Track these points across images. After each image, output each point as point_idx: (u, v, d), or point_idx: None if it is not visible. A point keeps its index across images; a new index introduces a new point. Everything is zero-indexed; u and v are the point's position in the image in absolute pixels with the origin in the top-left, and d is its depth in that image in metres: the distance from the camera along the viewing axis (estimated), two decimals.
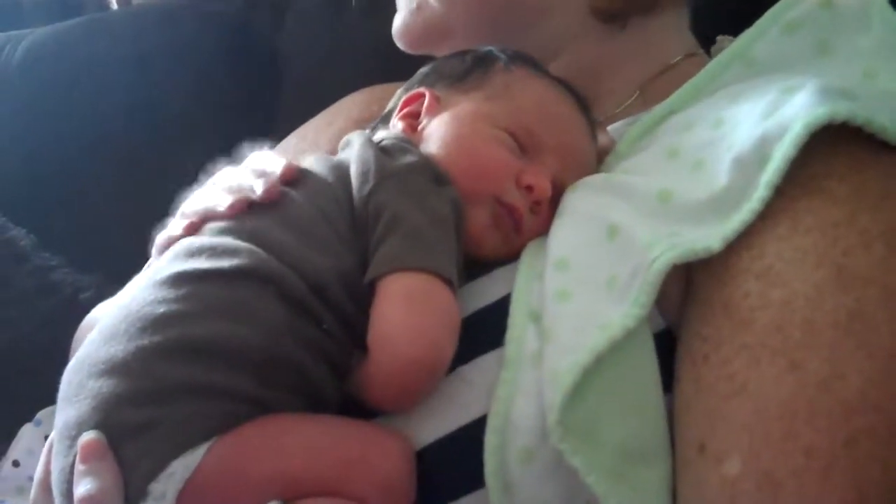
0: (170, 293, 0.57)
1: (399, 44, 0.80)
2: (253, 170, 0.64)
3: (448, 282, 0.57)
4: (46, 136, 1.39)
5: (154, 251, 0.65)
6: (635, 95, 0.74)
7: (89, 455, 0.52)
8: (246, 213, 0.61)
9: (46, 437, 0.97)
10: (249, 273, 0.56)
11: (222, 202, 0.61)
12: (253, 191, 0.61)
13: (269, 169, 0.63)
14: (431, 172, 0.62)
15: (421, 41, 0.79)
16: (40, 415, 1.01)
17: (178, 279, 0.57)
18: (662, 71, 0.75)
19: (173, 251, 0.60)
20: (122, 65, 1.41)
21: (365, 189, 0.60)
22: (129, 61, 1.41)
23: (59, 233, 1.30)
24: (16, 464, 0.98)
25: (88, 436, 0.53)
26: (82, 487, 0.52)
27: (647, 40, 0.76)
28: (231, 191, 0.62)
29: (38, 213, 1.34)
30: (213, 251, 0.58)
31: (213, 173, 0.69)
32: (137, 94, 1.38)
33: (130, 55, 1.41)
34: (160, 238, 0.64)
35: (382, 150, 0.64)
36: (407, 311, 0.56)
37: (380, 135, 0.68)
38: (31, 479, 0.96)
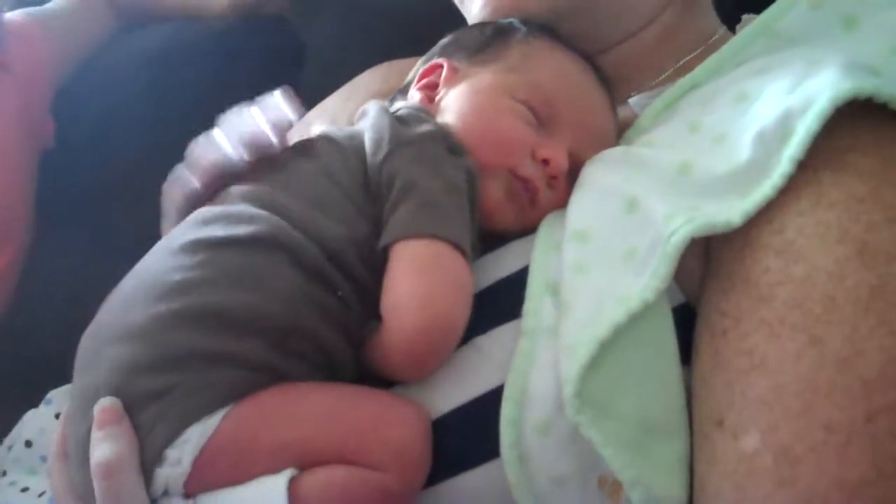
0: (186, 260, 0.57)
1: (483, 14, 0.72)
2: (266, 119, 0.64)
3: (461, 250, 0.57)
4: (69, 130, 1.38)
5: (167, 203, 0.65)
6: (671, 70, 0.73)
7: (105, 420, 0.53)
8: (261, 180, 0.61)
9: (57, 416, 0.97)
10: (265, 240, 0.56)
11: (238, 153, 0.62)
12: (270, 143, 0.62)
13: (281, 118, 0.64)
14: (446, 142, 0.62)
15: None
16: (51, 394, 1.01)
17: (195, 247, 0.57)
18: (699, 48, 0.74)
19: (190, 219, 0.60)
20: (138, 48, 1.41)
21: (379, 156, 0.60)
22: (147, 42, 1.41)
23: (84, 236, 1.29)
24: (28, 444, 0.98)
25: (105, 401, 0.53)
26: (98, 452, 0.52)
27: (695, 17, 0.76)
28: (245, 141, 0.62)
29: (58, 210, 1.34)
30: (229, 219, 0.58)
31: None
32: (153, 80, 1.37)
33: (149, 36, 1.41)
34: (173, 190, 0.64)
35: (398, 119, 0.63)
36: (418, 279, 0.56)
37: (396, 105, 0.68)
38: (43, 458, 0.97)
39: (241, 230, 0.57)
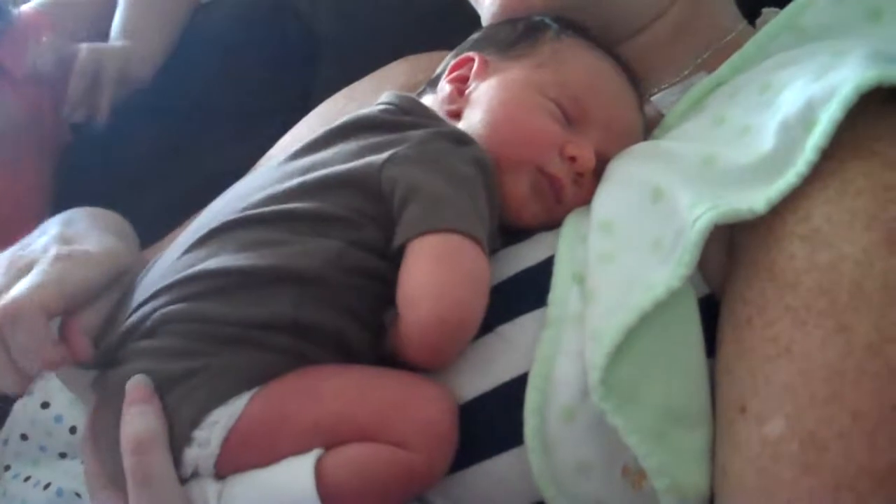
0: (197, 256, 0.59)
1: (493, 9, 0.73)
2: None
3: (474, 239, 0.57)
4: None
5: None
6: (692, 66, 0.73)
7: (136, 398, 0.54)
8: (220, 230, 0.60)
9: (43, 405, 0.97)
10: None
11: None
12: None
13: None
14: (449, 135, 0.62)
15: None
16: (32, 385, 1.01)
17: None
18: (719, 43, 0.74)
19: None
20: None
21: (376, 164, 0.59)
22: None
23: None
24: (24, 437, 0.99)
25: (135, 379, 0.54)
26: (129, 428, 0.53)
27: (709, 11, 0.76)
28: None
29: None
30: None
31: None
32: (167, 74, 1.37)
33: None
34: None
35: (396, 124, 0.63)
36: (431, 271, 0.56)
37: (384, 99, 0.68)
38: (42, 448, 0.97)
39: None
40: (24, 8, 1.31)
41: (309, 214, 0.58)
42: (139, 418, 0.53)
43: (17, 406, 1.00)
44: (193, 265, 0.57)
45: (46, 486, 0.94)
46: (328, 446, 0.53)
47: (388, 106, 0.66)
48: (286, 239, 0.57)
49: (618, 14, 0.73)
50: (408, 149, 0.59)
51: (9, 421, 1.00)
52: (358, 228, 0.58)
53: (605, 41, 0.71)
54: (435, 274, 0.56)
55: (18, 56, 1.25)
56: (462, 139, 0.62)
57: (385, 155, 0.59)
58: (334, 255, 0.57)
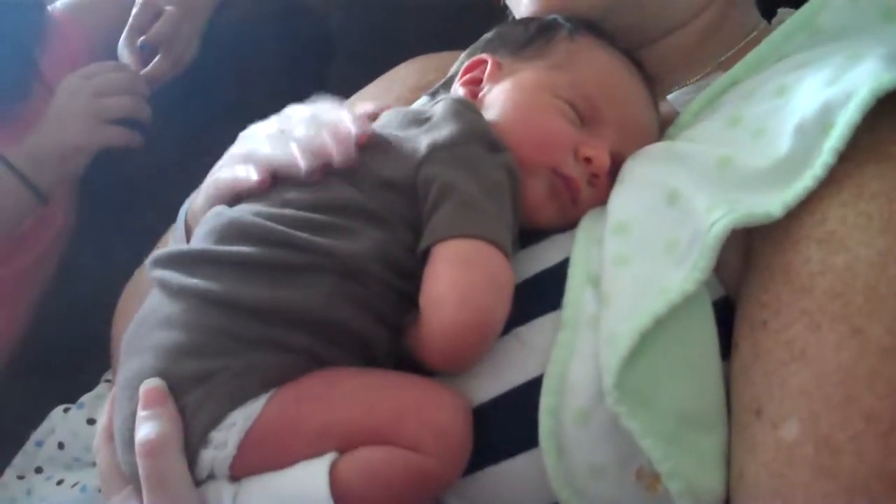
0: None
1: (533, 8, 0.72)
2: (328, 128, 0.63)
3: (500, 248, 0.57)
4: None
5: (213, 189, 0.65)
6: (711, 67, 0.73)
7: (150, 401, 0.54)
8: (284, 189, 0.61)
9: (89, 421, 0.98)
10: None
11: (299, 163, 0.61)
12: (330, 155, 0.61)
13: (343, 129, 0.62)
14: (484, 139, 0.62)
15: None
16: (84, 399, 1.02)
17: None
18: (740, 44, 0.74)
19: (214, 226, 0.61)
20: None
21: (415, 160, 0.60)
22: None
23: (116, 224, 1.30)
24: (61, 446, 1.00)
25: (149, 382, 0.55)
26: (142, 431, 0.54)
27: (738, 13, 0.76)
28: (308, 151, 0.62)
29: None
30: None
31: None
32: (182, 73, 1.37)
33: None
34: (225, 178, 0.65)
35: (431, 121, 0.63)
36: (456, 276, 0.56)
37: (440, 96, 0.68)
38: (76, 459, 0.98)
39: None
40: (51, 9, 1.31)
41: (356, 208, 0.59)
42: (152, 421, 0.53)
43: (58, 413, 1.01)
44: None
45: (74, 486, 0.95)
46: (342, 449, 0.53)
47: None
48: (340, 224, 0.58)
49: (654, 15, 0.73)
50: (446, 146, 0.60)
51: (46, 423, 1.01)
52: (394, 227, 0.59)
53: (623, 42, 0.71)
54: (460, 278, 0.56)
55: (56, 62, 1.25)
56: (495, 145, 0.62)
57: (423, 152, 0.60)
58: (381, 244, 0.57)
